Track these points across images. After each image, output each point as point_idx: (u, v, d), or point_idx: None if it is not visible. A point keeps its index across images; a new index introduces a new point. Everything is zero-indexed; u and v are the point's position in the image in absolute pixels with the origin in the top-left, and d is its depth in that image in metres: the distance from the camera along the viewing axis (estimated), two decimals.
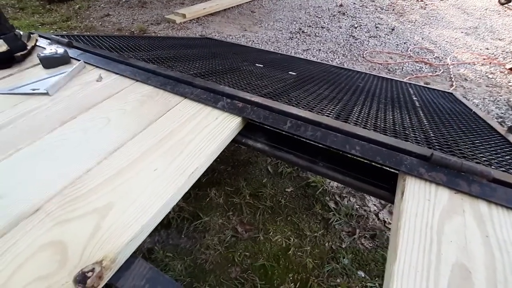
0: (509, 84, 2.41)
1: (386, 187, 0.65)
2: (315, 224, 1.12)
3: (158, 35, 3.39)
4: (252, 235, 1.06)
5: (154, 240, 1.08)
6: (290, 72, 1.47)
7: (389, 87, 1.74)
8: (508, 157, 0.78)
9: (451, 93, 1.98)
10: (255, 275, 0.98)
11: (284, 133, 0.73)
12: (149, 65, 0.98)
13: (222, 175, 1.26)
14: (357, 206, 1.21)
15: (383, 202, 1.24)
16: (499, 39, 3.87)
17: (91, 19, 4.26)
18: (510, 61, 2.99)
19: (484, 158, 0.72)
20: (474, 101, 2.11)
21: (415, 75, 2.60)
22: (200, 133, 0.70)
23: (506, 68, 2.76)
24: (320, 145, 0.70)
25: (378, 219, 1.16)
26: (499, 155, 0.78)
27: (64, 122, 0.73)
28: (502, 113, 1.97)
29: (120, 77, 0.92)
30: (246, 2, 5.02)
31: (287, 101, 0.96)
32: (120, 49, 1.26)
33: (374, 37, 3.66)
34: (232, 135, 0.73)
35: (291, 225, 1.10)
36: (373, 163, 0.65)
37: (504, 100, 2.12)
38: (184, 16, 3.87)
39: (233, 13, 4.49)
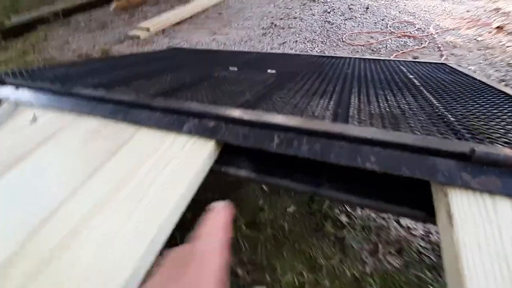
0: (501, 44, 2.32)
1: (419, 204, 0.50)
2: (329, 248, 0.96)
3: (122, 54, 3.20)
4: (257, 278, 0.89)
5: None
6: (269, 71, 1.32)
7: (379, 68, 1.62)
8: None
9: (444, 63, 1.87)
10: None
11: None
12: (97, 91, 0.81)
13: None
14: (374, 216, 1.05)
15: None
16: None
17: (50, 49, 4.04)
18: (495, 19, 2.92)
19: None
20: (470, 68, 2.01)
21: (401, 51, 2.49)
22: (163, 170, 0.54)
23: (493, 28, 2.68)
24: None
25: (401, 226, 1.01)
26: None
27: None
28: (503, 76, 1.86)
29: (59, 113, 0.75)
30: (212, 5, 4.88)
31: (270, 106, 0.81)
32: (66, 79, 1.09)
33: (350, 19, 3.56)
34: (206, 165, 0.57)
35: (300, 256, 0.93)
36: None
37: (501, 62, 2.02)
38: (148, 30, 3.70)
39: (200, 19, 4.34)
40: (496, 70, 1.93)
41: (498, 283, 0.33)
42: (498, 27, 2.65)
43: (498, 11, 3.22)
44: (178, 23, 4.17)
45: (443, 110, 0.80)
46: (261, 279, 0.87)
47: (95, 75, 1.17)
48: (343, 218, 1.03)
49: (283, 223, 1.04)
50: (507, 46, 2.28)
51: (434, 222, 0.46)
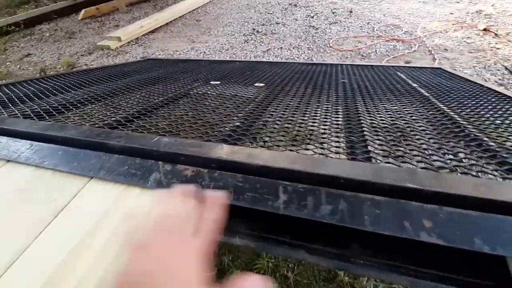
0: (491, 46, 2.30)
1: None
2: None
3: (90, 67, 2.98)
4: None
5: None
6: (256, 84, 1.17)
7: (376, 76, 1.51)
8: None
9: (440, 68, 1.80)
10: None
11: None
12: (34, 124, 0.63)
13: None
14: None
15: None
16: (457, 2, 3.89)
17: (8, 63, 3.74)
18: (479, 21, 2.93)
19: None
20: (465, 71, 1.96)
21: (392, 56, 2.43)
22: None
23: (479, 30, 2.67)
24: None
25: None
26: None
27: None
28: (500, 79, 1.81)
29: None
30: (189, 12, 4.74)
31: (268, 137, 0.65)
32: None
33: (335, 23, 3.50)
34: None
35: None
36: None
37: (495, 64, 1.98)
38: (119, 39, 3.49)
39: (177, 26, 4.17)
40: (492, 74, 1.88)
41: None
42: (484, 29, 2.65)
43: (480, 13, 3.26)
44: (153, 31, 3.99)
45: (474, 130, 0.68)
46: None
47: (40, 98, 0.97)
48: None
49: (287, 272, 0.86)
50: (497, 48, 2.26)
51: None
